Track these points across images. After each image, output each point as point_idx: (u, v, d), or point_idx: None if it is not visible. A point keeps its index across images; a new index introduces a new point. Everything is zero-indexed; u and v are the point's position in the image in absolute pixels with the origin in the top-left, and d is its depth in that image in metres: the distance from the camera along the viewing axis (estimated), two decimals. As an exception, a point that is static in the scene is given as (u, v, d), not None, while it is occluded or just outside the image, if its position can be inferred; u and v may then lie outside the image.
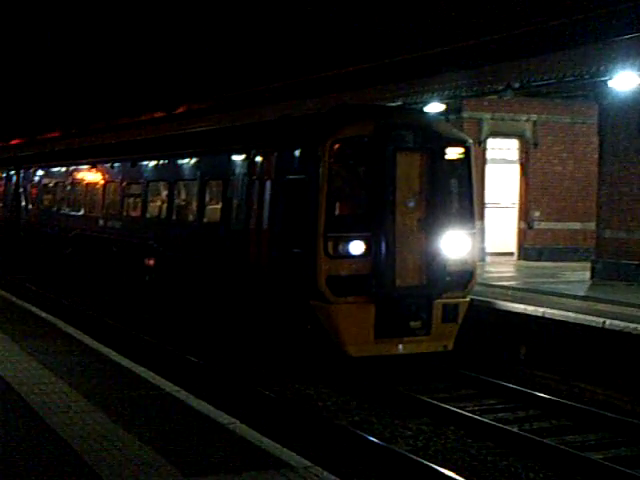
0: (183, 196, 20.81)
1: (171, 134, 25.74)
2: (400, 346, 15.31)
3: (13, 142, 51.55)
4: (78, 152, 30.42)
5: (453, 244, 15.49)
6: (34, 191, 32.22)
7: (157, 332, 19.93)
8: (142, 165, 22.73)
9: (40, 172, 31.81)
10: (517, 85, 19.04)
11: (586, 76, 17.90)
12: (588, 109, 25.33)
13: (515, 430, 12.59)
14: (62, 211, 29.04)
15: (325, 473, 7.80)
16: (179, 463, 7.87)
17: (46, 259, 30.36)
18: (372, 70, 24.89)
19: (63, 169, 29.25)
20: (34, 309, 17.89)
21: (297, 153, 15.84)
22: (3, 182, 36.37)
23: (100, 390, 10.67)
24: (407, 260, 15.25)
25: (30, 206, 32.71)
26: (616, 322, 14.83)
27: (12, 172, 34.97)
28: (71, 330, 15.25)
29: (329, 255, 15.00)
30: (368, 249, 15.10)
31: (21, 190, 33.72)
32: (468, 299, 15.94)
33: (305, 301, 15.46)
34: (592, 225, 23.26)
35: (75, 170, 27.95)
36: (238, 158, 17.91)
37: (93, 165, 26.16)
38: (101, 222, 25.19)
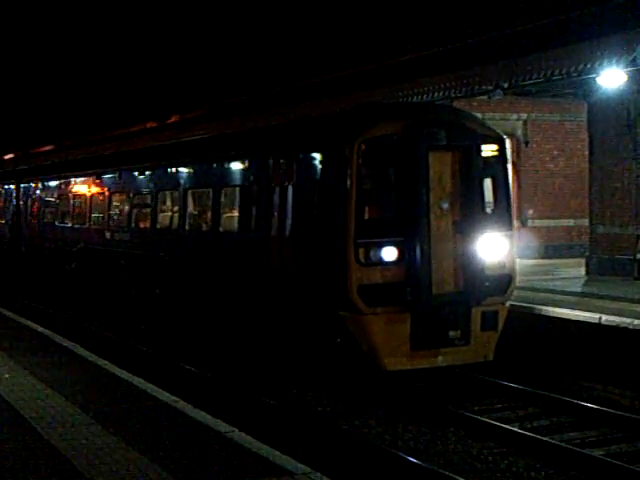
0: (196, 205, 19.72)
1: (180, 141, 24.78)
2: (439, 358, 14.40)
3: (6, 156, 50.88)
4: (81, 163, 29.27)
5: (490, 247, 14.41)
6: (35, 205, 31.07)
7: (170, 347, 18.81)
8: (151, 174, 21.57)
9: (41, 185, 30.60)
10: (506, 85, 19.08)
11: (574, 74, 17.92)
12: (577, 107, 25.19)
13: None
14: (65, 225, 27.92)
15: (325, 478, 7.70)
16: (177, 473, 7.80)
17: (49, 274, 29.38)
18: (363, 74, 24.66)
19: (65, 181, 28.08)
20: (30, 324, 17.58)
21: (322, 155, 14.78)
22: (3, 196, 35.56)
23: (97, 402, 10.51)
24: (443, 265, 14.24)
25: (31, 220, 31.56)
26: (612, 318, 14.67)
27: (12, 186, 34.12)
28: (67, 344, 14.97)
29: (360, 263, 14.03)
30: (401, 255, 14.09)
31: (21, 204, 32.77)
32: (508, 305, 15.09)
33: (334, 312, 14.49)
34: (585, 221, 23.23)
35: (78, 182, 26.73)
36: (256, 163, 16.90)
37: (98, 176, 25.07)
38: (107, 235, 24.23)
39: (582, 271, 21.46)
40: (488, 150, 14.58)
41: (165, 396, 10.91)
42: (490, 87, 19.61)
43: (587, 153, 22.39)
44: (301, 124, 16.79)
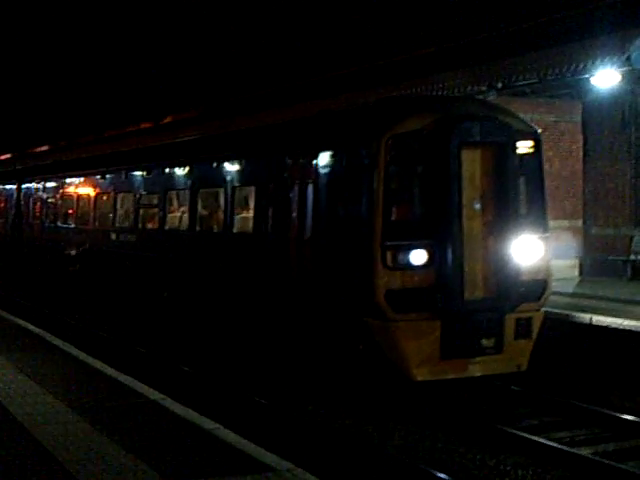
0: (208, 205, 18.88)
1: (190, 139, 23.93)
2: (470, 367, 13.55)
3: (6, 156, 50.12)
4: (85, 162, 28.42)
5: (525, 250, 13.66)
6: (37, 205, 30.18)
7: (177, 352, 18.01)
8: (159, 173, 20.65)
9: (43, 185, 29.78)
10: (500, 85, 19.02)
11: (567, 74, 17.86)
12: (572, 107, 24.36)
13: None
14: (69, 225, 27.10)
15: (307, 475, 7.72)
16: (162, 469, 7.84)
17: (51, 276, 28.59)
18: (357, 74, 24.09)
19: (69, 181, 27.28)
20: (22, 322, 17.55)
21: (346, 152, 13.92)
22: (4, 196, 34.76)
23: (85, 400, 10.58)
24: (475, 270, 13.31)
25: (33, 221, 30.74)
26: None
27: (13, 186, 33.31)
28: (58, 342, 15.04)
29: (387, 266, 13.14)
30: (431, 258, 13.18)
31: (23, 204, 31.97)
32: (542, 312, 14.27)
33: (358, 319, 13.67)
34: (579, 222, 22.99)
35: (82, 181, 25.95)
36: (272, 161, 16.08)
37: (103, 175, 24.28)
38: (113, 236, 23.41)
39: (575, 272, 21.59)
40: (523, 146, 13.72)
41: (153, 394, 10.96)
42: (484, 87, 19.44)
43: (582, 154, 22.36)
44: (321, 119, 15.93)
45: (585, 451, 11.57)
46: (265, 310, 15.88)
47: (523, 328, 13.63)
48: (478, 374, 13.45)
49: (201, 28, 28.73)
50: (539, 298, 13.85)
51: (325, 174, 14.20)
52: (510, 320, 13.49)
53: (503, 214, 13.33)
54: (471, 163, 13.27)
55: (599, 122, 21.70)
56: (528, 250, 13.62)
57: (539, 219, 13.96)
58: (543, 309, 14.03)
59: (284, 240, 15.12)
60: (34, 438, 8.89)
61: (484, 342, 13.27)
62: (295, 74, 26.21)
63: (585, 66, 17.56)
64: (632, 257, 20.87)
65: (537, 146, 13.93)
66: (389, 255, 13.03)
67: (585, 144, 22.05)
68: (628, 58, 16.72)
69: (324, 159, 14.27)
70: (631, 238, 20.75)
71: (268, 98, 27.06)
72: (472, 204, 13.28)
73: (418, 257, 13.09)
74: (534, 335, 13.78)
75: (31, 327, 16.84)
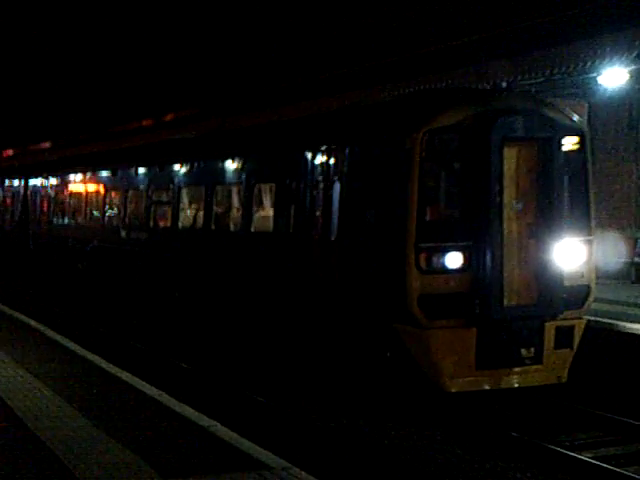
0: (224, 203, 17.80)
1: (205, 134, 23.04)
2: (507, 378, 12.68)
3: (11, 152, 49.47)
4: (94, 158, 27.57)
5: (568, 254, 12.83)
6: (45, 201, 29.35)
7: (190, 355, 17.09)
8: (172, 169, 19.61)
9: (51, 180, 28.86)
10: (504, 84, 17.85)
11: (574, 73, 17.69)
12: (578, 107, 23.85)
13: None
14: (77, 222, 26.28)
15: (303, 474, 7.72)
16: (158, 465, 7.87)
17: (58, 272, 27.81)
18: (356, 73, 23.42)
19: (77, 177, 26.25)
20: (24, 318, 17.55)
21: (377, 148, 13.00)
22: (10, 192, 34.00)
23: (84, 396, 10.65)
24: (515, 274, 12.37)
25: (40, 217, 29.92)
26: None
27: (20, 181, 32.51)
28: (58, 337, 15.11)
29: (421, 269, 12.25)
30: (468, 262, 12.33)
31: (30, 200, 31.16)
32: (585, 320, 13.43)
33: (386, 324, 12.86)
34: None
35: (91, 177, 24.83)
36: (295, 156, 15.14)
37: (113, 171, 23.34)
38: (123, 233, 22.59)
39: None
40: (569, 143, 12.86)
41: (151, 390, 11.00)
42: (488, 87, 18.81)
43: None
44: (349, 113, 15.07)
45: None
46: (283, 312, 15.05)
47: (564, 337, 12.78)
48: (516, 386, 12.59)
49: (229, 22, 28.11)
50: (582, 305, 12.99)
51: (354, 171, 13.35)
52: (550, 328, 12.63)
53: (546, 215, 12.47)
54: (512, 160, 12.43)
55: (605, 122, 21.33)
56: (571, 254, 12.75)
57: (583, 221, 13.08)
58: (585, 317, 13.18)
59: (307, 240, 14.29)
60: (32, 432, 8.92)
61: (523, 352, 12.43)
62: (318, 67, 25.41)
63: (592, 64, 17.28)
64: (637, 259, 20.49)
65: (583, 143, 13.05)
66: (423, 257, 12.19)
67: (591, 144, 21.43)
68: (638, 56, 16.38)
69: (353, 155, 13.42)
70: (636, 240, 20.40)
71: (290, 91, 26.20)
72: (513, 204, 12.45)
73: (454, 260, 12.26)
74: (575, 345, 12.92)
75: (33, 323, 16.79)
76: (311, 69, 22.62)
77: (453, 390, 12.30)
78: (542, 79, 18.54)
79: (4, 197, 34.85)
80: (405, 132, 12.40)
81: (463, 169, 12.48)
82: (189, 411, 9.95)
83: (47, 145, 44.23)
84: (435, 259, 12.21)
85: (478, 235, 12.23)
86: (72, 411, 9.83)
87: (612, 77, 17.74)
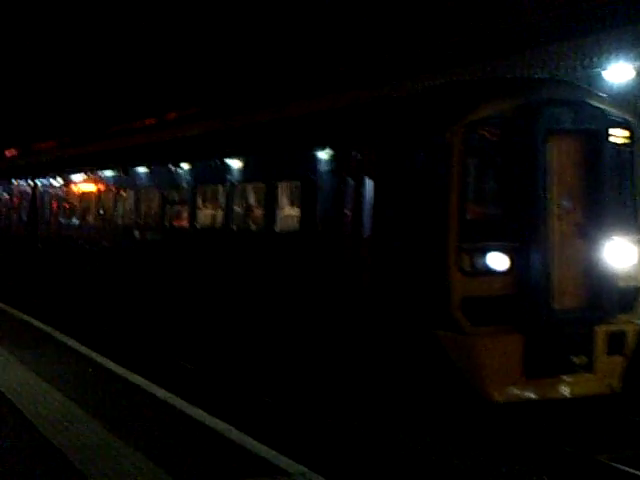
0: (245, 202, 17.29)
1: (224, 129, 22.22)
2: (557, 388, 11.83)
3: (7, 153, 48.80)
4: (105, 157, 26.75)
5: (619, 254, 12.08)
6: (54, 201, 28.55)
7: (208, 363, 16.54)
8: (189, 167, 19.05)
9: (60, 180, 28.19)
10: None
11: (579, 68, 17.32)
12: None
13: None
14: (87, 222, 25.51)
15: (321, 479, 7.64)
16: (174, 471, 7.70)
17: (67, 275, 26.95)
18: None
19: (88, 176, 25.62)
20: (31, 320, 17.61)
21: (413, 142, 12.23)
22: (17, 192, 33.15)
23: (94, 399, 10.55)
24: (564, 276, 11.62)
25: (49, 217, 29.20)
26: None
27: (27, 181, 31.71)
28: (66, 340, 15.04)
29: (464, 271, 11.50)
30: (513, 263, 11.64)
31: (38, 200, 30.34)
32: (637, 325, 12.63)
33: (426, 330, 12.14)
34: None
35: (102, 176, 24.35)
36: (322, 152, 14.47)
37: (126, 170, 22.67)
38: (137, 234, 21.77)
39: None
40: (619, 136, 12.08)
41: (161, 393, 10.89)
42: None
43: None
44: (380, 105, 14.30)
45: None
46: (313, 316, 14.26)
47: (616, 343, 11.95)
48: (566, 396, 11.77)
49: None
50: (633, 308, 12.18)
51: (388, 166, 12.58)
52: (602, 333, 11.82)
53: (595, 213, 11.69)
54: (559, 154, 11.65)
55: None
56: (622, 254, 11.95)
57: (631, 219, 12.28)
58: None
59: (338, 241, 13.54)
60: (44, 436, 8.81)
61: (573, 359, 11.62)
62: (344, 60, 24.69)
63: (599, 60, 17.01)
64: None
65: (633, 136, 12.25)
66: (466, 258, 11.41)
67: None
68: None
69: (388, 150, 12.64)
70: None
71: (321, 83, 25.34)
72: (560, 201, 11.66)
73: (499, 261, 11.47)
74: (628, 351, 12.10)
75: (40, 325, 16.91)
76: (347, 58, 22.00)
77: (499, 400, 11.48)
78: (546, 75, 17.82)
79: (11, 197, 34.00)
80: (444, 126, 11.63)
81: (506, 164, 11.70)
82: (202, 414, 9.80)
83: (50, 144, 43.29)
84: (479, 260, 11.44)
85: (524, 234, 11.46)
86: (84, 414, 9.74)
87: (617, 73, 17.34)
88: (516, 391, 11.54)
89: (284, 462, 8.06)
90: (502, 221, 11.70)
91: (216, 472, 7.76)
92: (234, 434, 9.00)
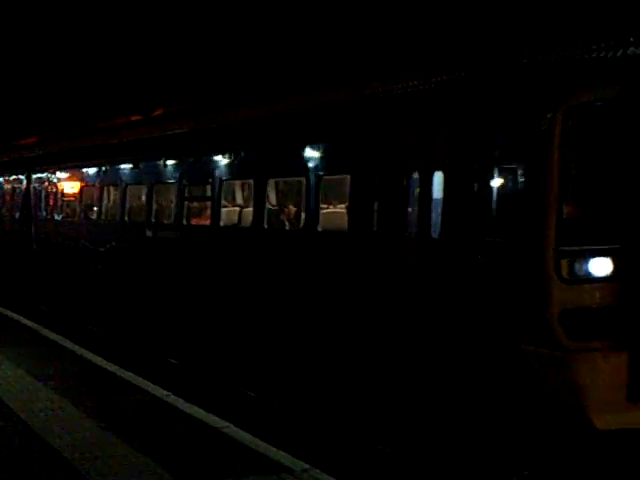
0: (279, 198, 15.69)
1: (248, 117, 20.62)
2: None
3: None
4: (110, 148, 25.14)
5: None
6: (51, 197, 26.86)
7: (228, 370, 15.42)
8: (211, 160, 17.45)
9: (58, 175, 26.46)
10: None
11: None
12: None
13: None
14: (90, 220, 23.97)
15: (324, 475, 7.68)
16: (172, 468, 7.64)
17: (67, 276, 25.31)
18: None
19: (91, 170, 24.05)
20: (21, 319, 17.77)
21: (499, 129, 10.75)
22: (10, 188, 31.46)
23: (88, 396, 10.55)
24: (676, 285, 10.48)
25: (46, 215, 27.47)
26: None
27: (21, 176, 30.01)
28: (56, 337, 15.16)
29: (563, 279, 10.06)
30: (618, 269, 10.33)
31: (33, 196, 28.67)
32: None
33: (512, 346, 10.68)
34: None
35: (109, 171, 22.66)
36: (374, 141, 13.01)
37: (136, 163, 21.05)
38: (148, 233, 20.18)
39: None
40: None
41: (156, 390, 10.89)
42: None
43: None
44: (447, 89, 12.76)
45: None
46: (369, 329, 12.77)
47: None
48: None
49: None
50: None
51: (464, 157, 11.07)
52: None
53: None
54: (670, 144, 10.19)
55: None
56: None
57: None
58: None
59: (399, 241, 12.05)
60: (38, 435, 8.76)
61: (688, 381, 10.17)
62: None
63: None
64: None
65: None
66: (565, 264, 9.92)
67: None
68: None
69: (464, 138, 11.13)
70: None
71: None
72: (672, 198, 10.19)
73: (602, 267, 9.99)
74: None
75: (29, 323, 17.08)
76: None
77: (602, 427, 10.00)
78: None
79: (3, 193, 32.34)
80: (539, 111, 10.12)
81: (611, 155, 10.21)
82: (199, 411, 9.75)
83: (21, 143, 41.76)
84: (580, 266, 9.95)
85: (631, 236, 9.98)
86: (78, 412, 9.67)
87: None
88: (620, 417, 10.06)
89: (285, 458, 8.05)
90: (606, 220, 10.20)
91: (217, 469, 7.70)
92: (232, 430, 9.00)
